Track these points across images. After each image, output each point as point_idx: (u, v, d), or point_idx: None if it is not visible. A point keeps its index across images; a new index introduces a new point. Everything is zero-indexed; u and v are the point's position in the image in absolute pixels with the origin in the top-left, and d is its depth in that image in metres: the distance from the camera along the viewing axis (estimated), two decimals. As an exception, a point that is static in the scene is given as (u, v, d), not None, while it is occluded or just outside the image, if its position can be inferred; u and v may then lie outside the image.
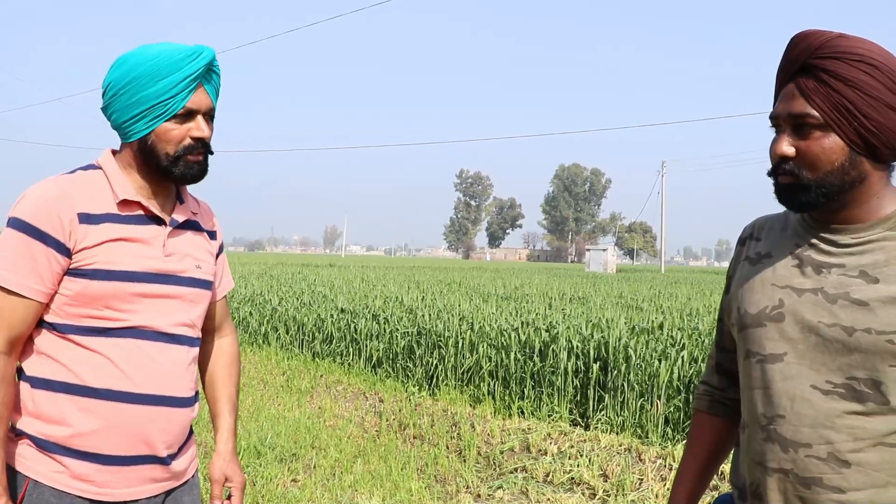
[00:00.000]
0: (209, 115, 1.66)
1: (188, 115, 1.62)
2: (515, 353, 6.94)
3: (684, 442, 5.71)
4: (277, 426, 5.81)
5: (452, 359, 7.43)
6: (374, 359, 8.51)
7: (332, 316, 9.87)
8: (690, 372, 6.03)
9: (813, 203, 1.26)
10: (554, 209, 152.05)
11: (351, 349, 8.96)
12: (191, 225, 1.75)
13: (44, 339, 1.59)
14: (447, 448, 5.47)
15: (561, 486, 4.68)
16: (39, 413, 1.57)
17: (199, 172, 1.66)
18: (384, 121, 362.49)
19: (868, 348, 1.21)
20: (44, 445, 1.56)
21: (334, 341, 9.31)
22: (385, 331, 8.66)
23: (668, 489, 4.55)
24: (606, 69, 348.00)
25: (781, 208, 1.37)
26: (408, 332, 8.36)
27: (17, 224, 1.54)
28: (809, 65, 1.24)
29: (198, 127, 1.63)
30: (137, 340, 1.60)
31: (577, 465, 4.94)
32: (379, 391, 7.31)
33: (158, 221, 1.66)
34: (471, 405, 6.76)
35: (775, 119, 1.29)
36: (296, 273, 23.76)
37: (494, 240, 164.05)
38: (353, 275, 23.61)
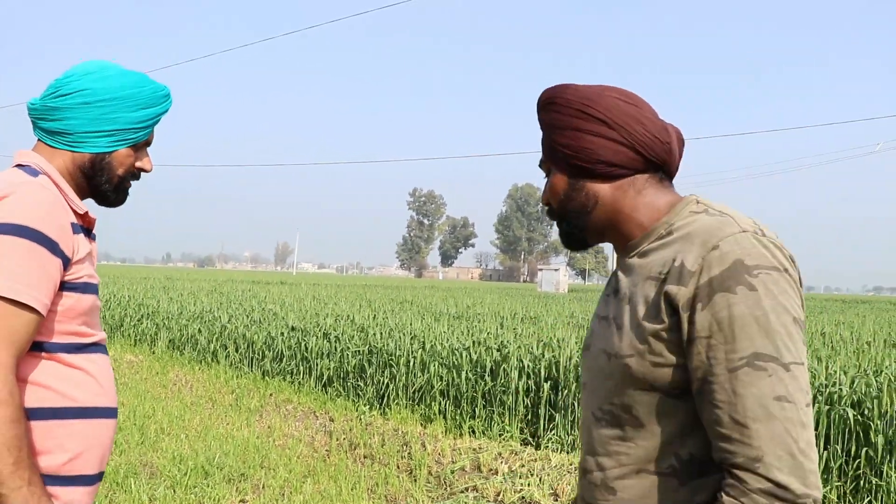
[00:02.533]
0: None
1: (143, 146, 1.69)
2: (467, 373, 6.96)
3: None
4: (226, 446, 5.72)
5: (404, 378, 7.42)
6: (325, 378, 8.44)
7: (282, 334, 9.76)
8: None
9: (575, 235, 1.35)
10: (507, 229, 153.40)
11: (301, 368, 8.88)
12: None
13: (25, 364, 1.45)
14: (398, 468, 5.45)
15: (511, 506, 4.69)
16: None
17: (124, 201, 1.73)
18: (337, 138, 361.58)
19: (614, 372, 1.22)
20: None
21: (284, 360, 9.21)
22: (336, 349, 8.60)
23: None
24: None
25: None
26: (359, 351, 8.31)
27: (25, 232, 1.39)
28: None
29: (149, 161, 1.71)
30: (101, 354, 1.59)
31: (528, 485, 4.97)
32: (329, 410, 7.25)
33: (88, 232, 1.63)
34: (422, 424, 6.74)
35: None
36: (246, 290, 23.42)
37: (447, 259, 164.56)
38: (305, 293, 23.37)
